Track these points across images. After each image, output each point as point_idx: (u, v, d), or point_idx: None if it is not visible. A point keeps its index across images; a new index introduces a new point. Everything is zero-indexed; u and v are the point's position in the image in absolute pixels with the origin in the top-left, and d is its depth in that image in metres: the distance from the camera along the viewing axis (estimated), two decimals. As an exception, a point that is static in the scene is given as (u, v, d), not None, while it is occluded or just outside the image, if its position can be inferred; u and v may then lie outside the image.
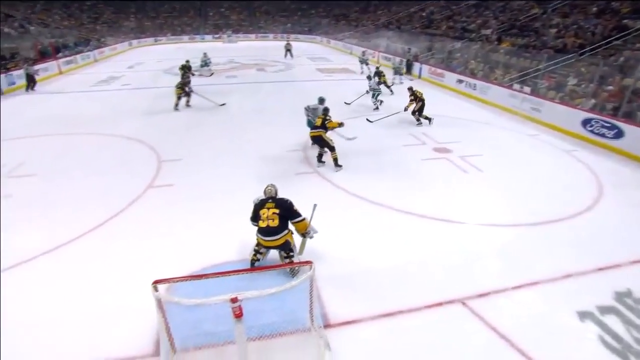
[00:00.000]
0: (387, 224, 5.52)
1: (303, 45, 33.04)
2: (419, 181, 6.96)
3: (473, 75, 14.91)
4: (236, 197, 5.90)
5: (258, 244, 4.38)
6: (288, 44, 25.69)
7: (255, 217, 4.37)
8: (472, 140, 9.10)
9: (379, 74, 12.54)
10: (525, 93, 11.63)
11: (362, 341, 3.53)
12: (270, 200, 4.34)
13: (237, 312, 2.66)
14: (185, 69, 14.92)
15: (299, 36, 39.66)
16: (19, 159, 7.72)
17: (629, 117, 8.84)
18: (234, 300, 2.63)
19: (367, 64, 18.45)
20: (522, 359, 3.34)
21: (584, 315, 3.86)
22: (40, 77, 16.47)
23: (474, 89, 13.78)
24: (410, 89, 10.38)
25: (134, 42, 33.98)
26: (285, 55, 24.61)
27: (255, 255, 4.40)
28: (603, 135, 8.88)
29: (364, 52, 19.59)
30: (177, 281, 3.11)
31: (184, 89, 11.67)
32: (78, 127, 9.99)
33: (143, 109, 11.55)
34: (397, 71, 16.06)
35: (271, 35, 41.56)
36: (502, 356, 3.39)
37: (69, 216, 5.60)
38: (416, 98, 10.15)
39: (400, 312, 3.85)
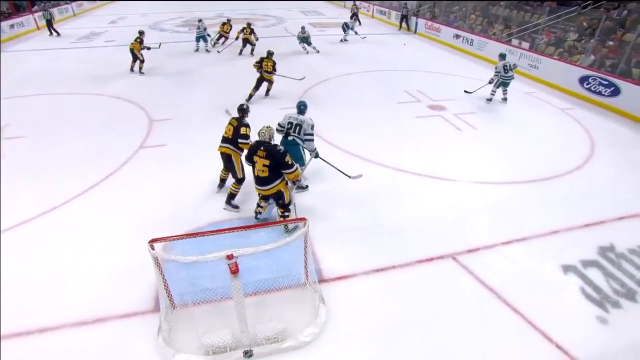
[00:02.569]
0: (380, 182, 5.54)
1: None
2: (412, 139, 6.94)
3: (471, 30, 14.42)
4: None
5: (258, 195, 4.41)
6: (354, 5, 17.78)
7: (249, 158, 4.20)
8: (466, 98, 8.97)
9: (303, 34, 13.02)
10: (524, 49, 11.33)
11: (355, 295, 3.66)
12: (262, 148, 4.04)
13: (233, 269, 2.72)
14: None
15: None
16: (4, 120, 7.47)
17: (627, 75, 8.72)
18: (229, 257, 2.67)
19: (308, 43, 13.25)
20: (507, 310, 3.50)
21: (567, 268, 4.01)
22: (16, 33, 15.63)
23: (471, 45, 13.40)
24: (249, 24, 11.46)
25: (115, -6, 31.90)
26: (352, 19, 16.66)
27: (257, 207, 4.55)
28: (600, 94, 8.80)
29: (303, 29, 13.42)
30: (173, 239, 3.13)
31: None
32: (62, 87, 9.60)
33: (129, 68, 11.07)
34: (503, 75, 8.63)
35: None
36: (489, 308, 3.54)
37: (63, 178, 5.53)
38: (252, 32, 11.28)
39: (393, 267, 3.97)
